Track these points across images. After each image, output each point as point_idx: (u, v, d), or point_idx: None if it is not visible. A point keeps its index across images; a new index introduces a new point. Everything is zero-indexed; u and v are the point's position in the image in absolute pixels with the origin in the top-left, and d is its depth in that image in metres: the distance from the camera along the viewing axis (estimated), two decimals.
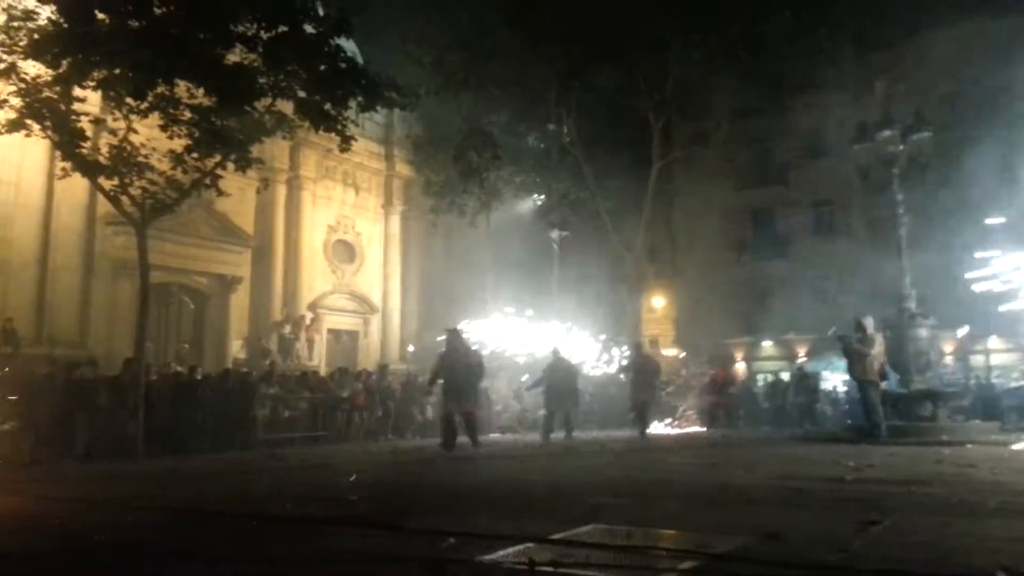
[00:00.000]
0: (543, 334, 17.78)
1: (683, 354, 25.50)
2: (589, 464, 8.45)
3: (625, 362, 15.44)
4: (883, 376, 11.05)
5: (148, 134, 12.65)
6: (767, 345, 28.39)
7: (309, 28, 12.15)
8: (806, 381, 17.89)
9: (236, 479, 7.50)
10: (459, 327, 11.31)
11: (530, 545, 3.42)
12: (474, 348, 11.16)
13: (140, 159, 12.26)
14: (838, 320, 13.43)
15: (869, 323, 11.15)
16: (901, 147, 12.38)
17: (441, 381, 10.86)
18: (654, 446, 11.31)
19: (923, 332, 11.62)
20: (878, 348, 10.95)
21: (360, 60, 15.21)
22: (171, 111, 12.05)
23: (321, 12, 12.28)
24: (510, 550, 3.32)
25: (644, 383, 14.01)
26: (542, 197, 24.41)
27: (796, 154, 28.02)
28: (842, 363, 12.65)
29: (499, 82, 22.98)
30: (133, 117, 12.10)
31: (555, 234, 21.28)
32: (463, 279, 23.49)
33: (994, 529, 3.74)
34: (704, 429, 16.58)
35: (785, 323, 26.27)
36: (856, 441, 10.65)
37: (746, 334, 27.97)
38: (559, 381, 13.64)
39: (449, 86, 22.05)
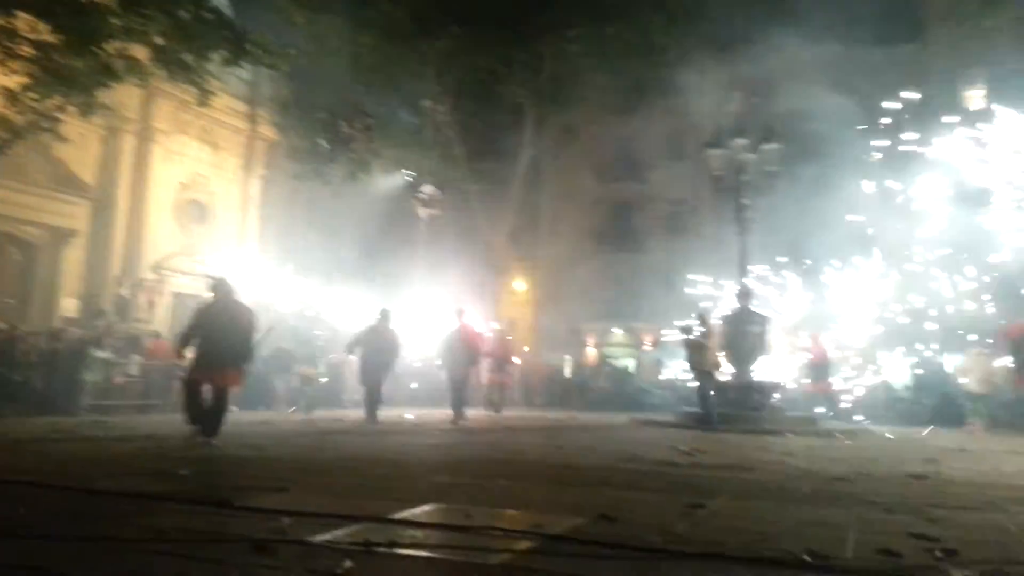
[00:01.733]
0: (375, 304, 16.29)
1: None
2: (432, 443, 8.49)
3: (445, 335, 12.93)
4: (718, 367, 11.83)
5: None
6: (617, 332, 29.58)
7: None
8: (609, 370, 18.64)
9: (56, 447, 6.96)
10: (225, 276, 8.39)
11: (368, 525, 3.39)
12: (244, 303, 8.17)
13: None
14: (682, 313, 14.21)
15: (709, 316, 11.92)
16: (752, 156, 13.19)
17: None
18: (500, 426, 11.50)
19: (756, 328, 12.52)
20: (715, 340, 11.75)
21: (228, 11, 14.43)
22: (8, 44, 10.97)
23: None
24: (346, 530, 3.27)
25: (463, 359, 12.31)
26: (412, 173, 24.14)
27: (655, 154, 29.24)
28: (683, 353, 13.41)
29: (374, 53, 22.42)
30: None
31: (423, 211, 21.13)
32: (325, 249, 22.87)
33: (805, 513, 4.05)
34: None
35: (636, 312, 27.47)
36: (691, 427, 11.32)
37: (599, 321, 29.01)
38: (376, 349, 11.62)
39: (321, 50, 21.30)
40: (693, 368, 11.89)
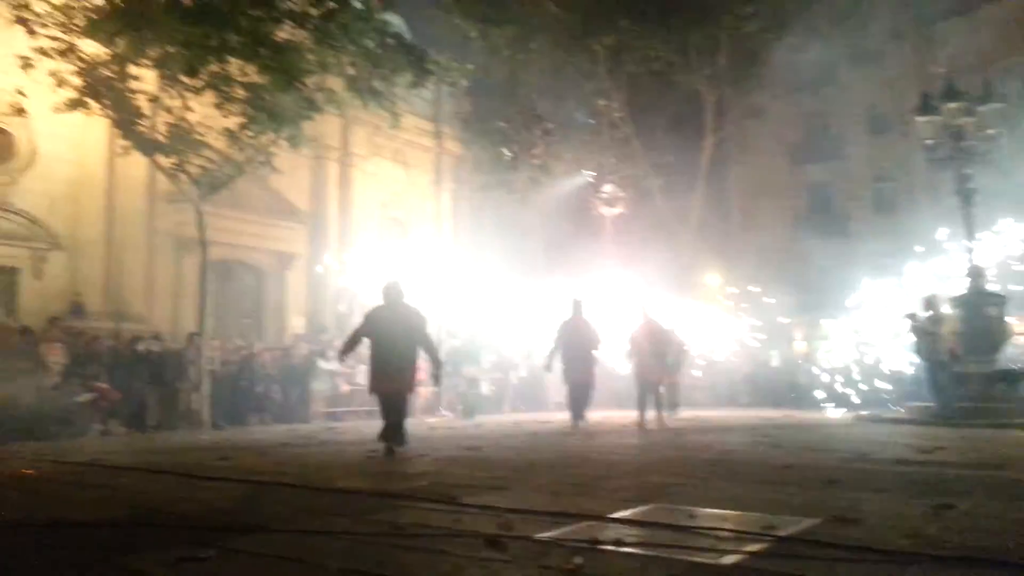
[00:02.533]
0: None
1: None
2: (639, 443, 8.35)
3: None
4: (953, 355, 10.67)
5: (204, 112, 12.87)
6: (826, 323, 27.72)
7: (357, 3, 12.17)
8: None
9: (297, 451, 7.61)
10: (396, 280, 7.80)
11: (591, 523, 3.37)
12: (414, 306, 7.63)
13: (196, 137, 12.52)
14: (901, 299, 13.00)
15: (938, 302, 10.81)
16: (969, 119, 11.84)
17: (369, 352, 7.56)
18: (707, 426, 11.10)
19: (994, 311, 11.14)
20: (947, 327, 10.61)
21: (408, 35, 15.22)
22: (224, 89, 12.24)
23: None
24: (570, 528, 3.28)
25: (655, 356, 11.10)
26: (592, 174, 24.16)
27: (853, 128, 27.19)
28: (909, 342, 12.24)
29: (547, 57, 22.71)
30: (188, 95, 12.32)
31: (606, 211, 21.08)
32: (514, 256, 23.46)
33: None
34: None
35: (846, 301, 25.64)
36: (925, 422, 10.34)
37: (804, 313, 27.34)
38: (574, 344, 10.59)
39: (496, 61, 21.90)
40: (923, 358, 10.82)
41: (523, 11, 22.22)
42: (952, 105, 11.92)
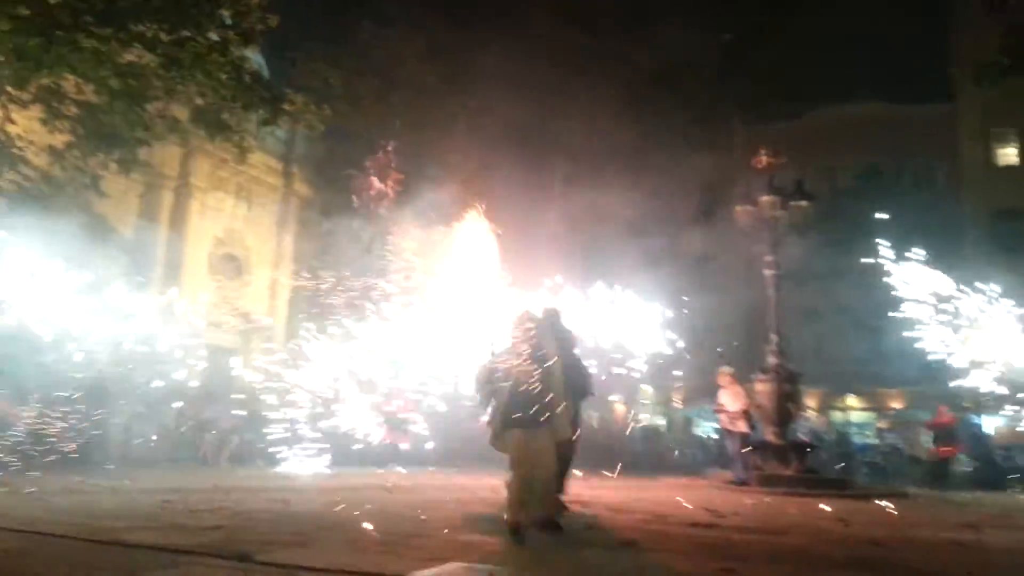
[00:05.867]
0: None
1: None
2: (463, 498, 8.26)
3: None
4: (750, 426, 11.63)
5: (27, 126, 11.95)
6: (646, 388, 29.18)
7: (214, 35, 11.82)
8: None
9: (83, 499, 6.97)
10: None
11: None
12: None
13: (14, 151, 11.57)
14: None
15: (733, 375, 11.83)
16: (781, 212, 13.18)
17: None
18: None
19: (788, 387, 12.34)
20: (744, 399, 11.63)
21: (266, 73, 14.94)
22: (55, 105, 11.46)
23: (228, 20, 11.97)
24: None
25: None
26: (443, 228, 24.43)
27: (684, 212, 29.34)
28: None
29: (408, 111, 23.03)
30: (12, 107, 11.42)
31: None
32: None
33: None
34: None
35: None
36: (724, 488, 11.09)
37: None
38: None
39: (356, 110, 21.94)
40: (721, 427, 11.89)
41: (387, 64, 22.56)
42: (767, 199, 13.23)
